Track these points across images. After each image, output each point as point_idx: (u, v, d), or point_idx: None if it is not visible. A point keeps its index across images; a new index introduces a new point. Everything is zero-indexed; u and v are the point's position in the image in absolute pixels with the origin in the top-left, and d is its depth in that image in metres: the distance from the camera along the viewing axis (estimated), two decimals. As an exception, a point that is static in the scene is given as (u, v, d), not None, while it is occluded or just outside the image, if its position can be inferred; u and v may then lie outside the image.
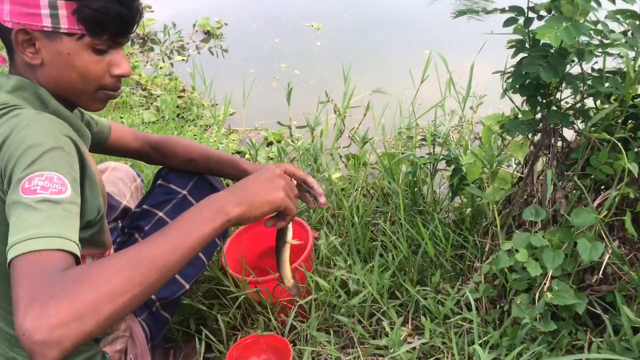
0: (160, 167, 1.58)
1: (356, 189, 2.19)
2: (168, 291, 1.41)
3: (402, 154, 2.38)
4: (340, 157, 2.55)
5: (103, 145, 1.39)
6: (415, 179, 2.00)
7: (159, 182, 1.52)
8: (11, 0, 1.00)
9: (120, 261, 0.81)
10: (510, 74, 1.41)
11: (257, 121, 3.02)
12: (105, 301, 0.77)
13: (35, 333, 0.72)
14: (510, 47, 1.39)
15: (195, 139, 2.71)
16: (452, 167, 1.93)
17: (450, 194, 1.97)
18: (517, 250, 1.30)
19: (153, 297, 1.38)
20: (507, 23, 1.35)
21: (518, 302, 1.30)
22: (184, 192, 1.49)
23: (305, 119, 2.83)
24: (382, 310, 1.54)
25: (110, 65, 1.07)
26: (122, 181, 1.69)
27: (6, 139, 0.92)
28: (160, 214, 1.45)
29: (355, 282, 1.62)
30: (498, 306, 1.52)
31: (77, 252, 0.83)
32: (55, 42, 1.01)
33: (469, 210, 2.03)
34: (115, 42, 1.06)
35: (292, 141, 2.84)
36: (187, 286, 1.44)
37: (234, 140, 2.81)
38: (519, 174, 1.61)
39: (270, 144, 2.79)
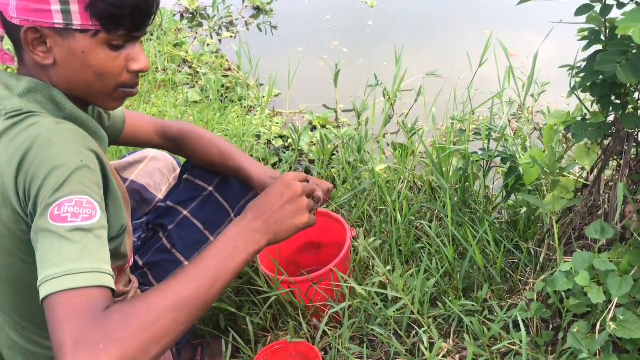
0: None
1: (402, 182, 2.05)
2: None
3: (454, 144, 2.22)
4: (388, 144, 2.41)
5: (117, 140, 1.31)
6: (466, 174, 1.84)
7: (185, 176, 1.44)
8: None
9: (163, 302, 0.80)
10: (579, 69, 1.24)
11: (302, 103, 2.91)
12: (154, 343, 0.77)
13: None
14: (582, 39, 1.21)
15: (238, 120, 2.63)
16: (508, 165, 1.77)
17: (504, 194, 1.81)
18: (577, 272, 1.15)
19: None
20: (580, 11, 1.17)
21: (575, 330, 1.15)
22: (210, 188, 1.41)
23: (352, 103, 2.69)
24: (421, 322, 1.42)
25: (128, 60, 0.99)
26: (160, 172, 1.61)
27: (26, 154, 0.86)
28: (185, 212, 1.37)
29: (393, 288, 1.50)
30: (551, 327, 1.37)
31: (113, 285, 0.82)
32: (68, 40, 0.93)
33: (524, 210, 1.87)
34: (132, 36, 0.97)
35: (337, 126, 2.71)
36: None
37: (277, 123, 2.71)
38: (582, 181, 1.44)
39: (314, 128, 2.67)
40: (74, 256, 0.79)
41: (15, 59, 1.00)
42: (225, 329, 1.58)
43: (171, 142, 1.43)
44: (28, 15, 0.91)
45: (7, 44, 1.08)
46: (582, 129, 1.21)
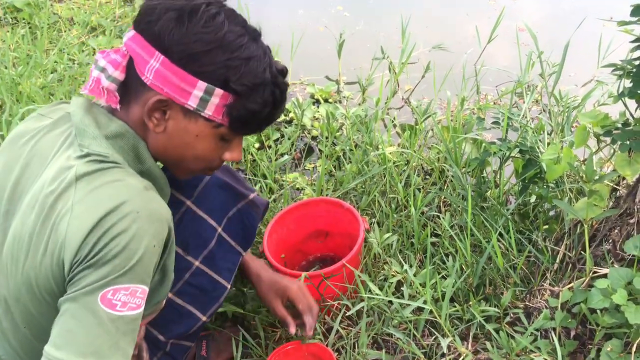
0: None
1: (410, 165, 1.97)
2: (183, 327, 1.23)
3: (464, 125, 2.13)
4: (394, 124, 2.32)
5: None
6: (482, 167, 1.78)
7: None
8: (165, 64, 0.87)
9: None
10: (627, 71, 1.16)
11: (302, 72, 2.78)
12: None
13: None
14: (633, 41, 1.13)
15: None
16: (526, 157, 1.70)
17: (520, 187, 1.75)
18: (614, 290, 1.11)
19: (162, 338, 1.21)
20: (636, 12, 1.08)
21: (608, 349, 1.11)
22: (188, 202, 1.21)
23: (357, 77, 2.59)
24: (441, 325, 1.37)
25: (225, 150, 0.98)
26: None
27: (108, 216, 0.82)
28: None
29: (409, 286, 1.45)
30: (573, 333, 1.34)
31: None
32: (188, 120, 0.92)
33: (533, 198, 1.81)
34: (245, 135, 0.99)
35: (339, 100, 2.60)
36: (204, 318, 1.26)
37: (277, 94, 2.59)
38: (612, 184, 1.39)
39: (316, 101, 2.56)
40: (104, 350, 0.80)
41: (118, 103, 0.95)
42: (233, 322, 1.52)
43: None
44: (165, 85, 0.88)
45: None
46: (627, 137, 1.15)
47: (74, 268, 0.83)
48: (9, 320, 0.94)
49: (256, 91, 0.92)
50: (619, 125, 1.21)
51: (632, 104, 1.21)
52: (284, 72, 0.99)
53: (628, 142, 1.13)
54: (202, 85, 0.89)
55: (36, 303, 0.89)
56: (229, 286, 1.27)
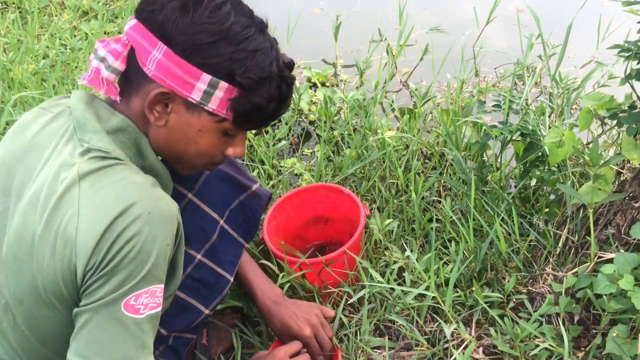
0: None
1: (409, 149, 1.95)
2: (185, 320, 1.21)
3: (464, 108, 2.11)
4: (393, 108, 2.29)
5: None
6: (483, 150, 1.76)
7: None
8: (167, 55, 0.85)
9: None
10: (635, 52, 1.14)
11: (298, 55, 2.73)
12: None
13: None
14: (641, 22, 1.11)
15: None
16: (527, 140, 1.68)
17: (521, 171, 1.73)
18: (620, 275, 1.09)
19: (164, 332, 1.18)
20: (644, -9, 1.06)
21: (614, 334, 1.10)
22: (190, 195, 1.18)
23: (355, 60, 2.55)
24: (446, 312, 1.36)
25: (228, 145, 0.96)
26: None
27: (119, 219, 0.80)
28: None
29: (410, 272, 1.44)
30: (577, 318, 1.33)
31: None
32: (191, 114, 0.89)
33: (534, 181, 1.80)
34: (250, 130, 0.96)
35: (336, 84, 2.57)
36: (207, 311, 1.24)
37: (274, 78, 2.55)
38: (617, 168, 1.37)
39: (313, 85, 2.53)
40: (133, 353, 0.82)
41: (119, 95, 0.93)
42: (234, 309, 1.51)
43: None
44: (168, 77, 0.86)
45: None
46: (633, 120, 1.13)
47: (88, 275, 0.81)
48: (8, 321, 0.92)
49: (262, 85, 0.89)
50: (625, 108, 1.19)
51: (638, 86, 1.19)
52: (290, 65, 0.96)
53: (635, 126, 1.11)
54: (206, 77, 0.86)
55: (41, 306, 0.87)
56: (231, 279, 1.25)
